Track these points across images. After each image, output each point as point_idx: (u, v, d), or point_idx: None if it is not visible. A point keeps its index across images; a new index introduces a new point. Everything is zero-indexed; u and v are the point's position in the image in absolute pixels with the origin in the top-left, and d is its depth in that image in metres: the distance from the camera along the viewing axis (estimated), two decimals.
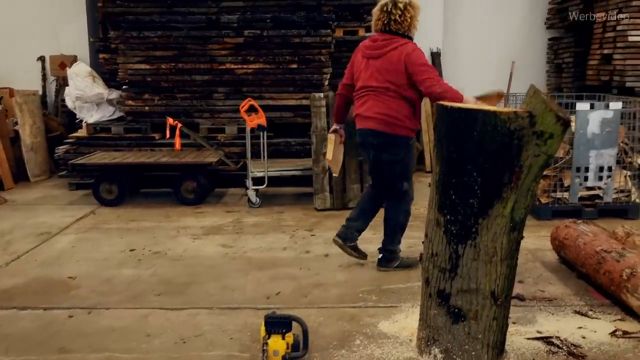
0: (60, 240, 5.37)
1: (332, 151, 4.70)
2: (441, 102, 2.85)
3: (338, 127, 4.65)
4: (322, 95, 6.48)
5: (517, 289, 3.98)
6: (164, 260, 4.76)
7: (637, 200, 5.87)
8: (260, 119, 6.43)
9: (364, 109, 4.23)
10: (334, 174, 5.31)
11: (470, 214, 2.76)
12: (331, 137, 4.70)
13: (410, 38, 4.21)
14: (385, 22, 4.16)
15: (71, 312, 3.76)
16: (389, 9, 4.13)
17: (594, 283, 3.99)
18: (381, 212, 4.51)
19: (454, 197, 2.78)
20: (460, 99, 3.83)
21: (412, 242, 4.81)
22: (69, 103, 8.10)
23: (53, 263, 4.74)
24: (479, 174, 2.69)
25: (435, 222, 2.91)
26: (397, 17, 4.12)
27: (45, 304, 3.89)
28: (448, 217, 2.82)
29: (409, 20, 4.14)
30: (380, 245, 4.53)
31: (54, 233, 5.58)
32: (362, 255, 4.55)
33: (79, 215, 6.20)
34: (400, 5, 4.11)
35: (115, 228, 5.74)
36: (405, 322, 3.54)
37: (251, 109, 6.51)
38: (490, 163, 2.67)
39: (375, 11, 4.24)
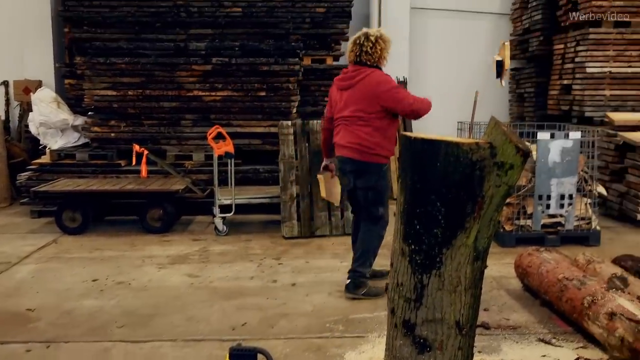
0: (20, 270, 5.23)
1: (324, 188, 4.92)
2: (405, 133, 2.89)
3: (328, 162, 4.79)
4: (290, 123, 6.52)
5: (482, 317, 4.01)
6: (128, 291, 4.67)
7: (598, 228, 6.00)
8: (227, 146, 6.42)
9: (339, 137, 4.43)
10: (335, 204, 5.70)
11: (434, 243, 2.78)
12: (320, 177, 4.92)
13: (379, 68, 4.37)
14: (357, 53, 4.34)
15: (29, 346, 3.65)
16: (361, 42, 4.32)
17: (557, 310, 4.05)
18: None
19: (418, 227, 2.80)
20: (429, 103, 4.38)
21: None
22: (33, 129, 7.98)
23: (11, 294, 4.60)
24: (443, 204, 2.72)
25: (400, 252, 2.92)
26: (368, 49, 4.29)
27: (2, 338, 3.76)
28: (413, 246, 2.84)
29: (379, 52, 4.32)
30: (350, 270, 4.55)
31: (14, 263, 5.43)
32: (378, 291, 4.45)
33: (41, 244, 6.06)
34: (372, 38, 4.30)
35: (77, 257, 5.62)
36: (372, 352, 3.53)
37: (219, 136, 6.50)
38: (453, 193, 2.70)
39: (349, 43, 4.44)
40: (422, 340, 2.87)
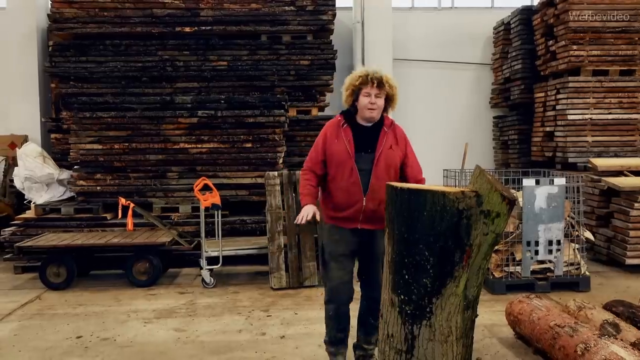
0: (2, 328, 5.08)
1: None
2: (390, 183, 2.90)
3: None
4: (276, 173, 6.53)
5: None
6: (113, 348, 4.55)
7: (587, 273, 6.00)
8: (214, 197, 6.41)
9: None
10: None
11: (424, 293, 2.77)
12: None
13: (345, 111, 3.82)
14: None
15: None
16: None
17: (550, 358, 4.00)
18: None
19: (407, 276, 2.79)
20: (302, 184, 3.77)
21: None
22: (18, 183, 7.93)
23: None
24: (431, 253, 2.72)
25: (389, 302, 2.89)
26: None
27: None
28: (402, 297, 2.81)
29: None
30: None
31: None
32: None
33: (24, 301, 5.93)
34: None
35: (62, 313, 5.50)
36: None
37: (205, 188, 6.49)
38: (441, 242, 2.70)
39: None
40: None
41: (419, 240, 2.72)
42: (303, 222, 3.60)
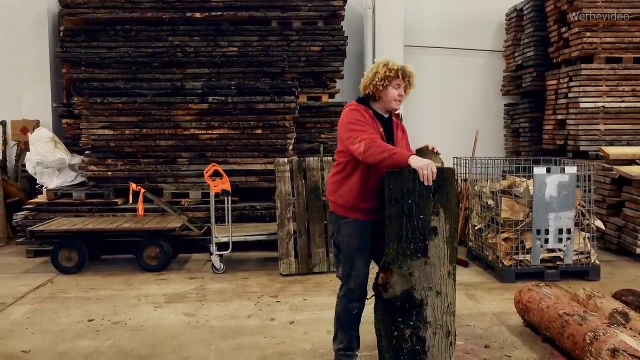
0: (15, 311, 5.16)
1: None
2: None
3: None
4: (286, 160, 6.54)
5: (484, 355, 3.97)
6: (124, 331, 4.60)
7: (597, 262, 5.98)
8: (224, 183, 6.43)
9: None
10: None
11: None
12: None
13: (362, 100, 3.64)
14: None
15: None
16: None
17: (558, 347, 4.01)
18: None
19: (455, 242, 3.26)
20: (380, 151, 3.28)
21: None
22: (30, 168, 7.98)
23: (6, 336, 4.53)
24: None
25: (447, 276, 3.18)
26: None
27: None
28: (454, 263, 3.26)
29: (367, 80, 3.61)
30: None
31: (8, 303, 5.36)
32: None
33: (36, 284, 6.00)
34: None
35: (73, 297, 5.56)
36: None
37: (215, 174, 6.51)
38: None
39: None
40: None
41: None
42: (433, 178, 3.09)
